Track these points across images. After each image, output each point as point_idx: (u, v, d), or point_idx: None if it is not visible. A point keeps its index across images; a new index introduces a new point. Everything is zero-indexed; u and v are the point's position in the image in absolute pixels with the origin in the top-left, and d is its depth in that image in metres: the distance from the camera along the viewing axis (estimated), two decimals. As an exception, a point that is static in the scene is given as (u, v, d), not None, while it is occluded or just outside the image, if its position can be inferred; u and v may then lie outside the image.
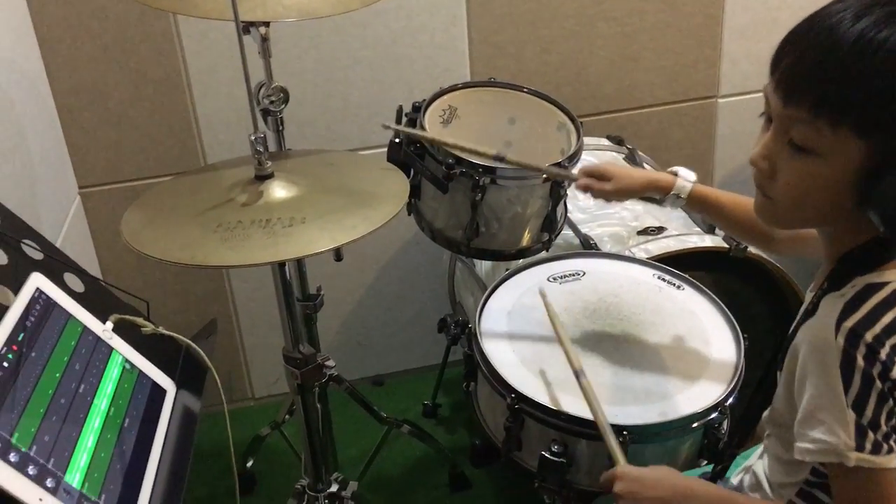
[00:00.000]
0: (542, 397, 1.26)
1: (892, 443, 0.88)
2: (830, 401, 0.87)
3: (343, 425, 1.92)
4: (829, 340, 0.87)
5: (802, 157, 0.88)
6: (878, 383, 0.86)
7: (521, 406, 1.25)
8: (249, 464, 1.98)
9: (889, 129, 0.83)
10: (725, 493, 1.09)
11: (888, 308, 0.88)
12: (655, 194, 1.39)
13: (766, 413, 1.04)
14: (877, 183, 0.84)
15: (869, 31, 0.82)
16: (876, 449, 0.87)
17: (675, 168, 1.40)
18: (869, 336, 0.86)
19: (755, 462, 1.12)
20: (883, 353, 0.86)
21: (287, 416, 1.91)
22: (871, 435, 0.86)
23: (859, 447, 0.87)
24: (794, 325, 0.99)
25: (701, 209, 1.39)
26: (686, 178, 1.36)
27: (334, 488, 1.59)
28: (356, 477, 1.79)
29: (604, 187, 1.39)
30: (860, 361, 0.86)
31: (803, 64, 0.86)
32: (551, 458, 1.22)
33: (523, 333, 1.41)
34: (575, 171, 1.47)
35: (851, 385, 0.86)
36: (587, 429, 1.21)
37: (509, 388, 1.27)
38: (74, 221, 1.90)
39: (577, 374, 1.19)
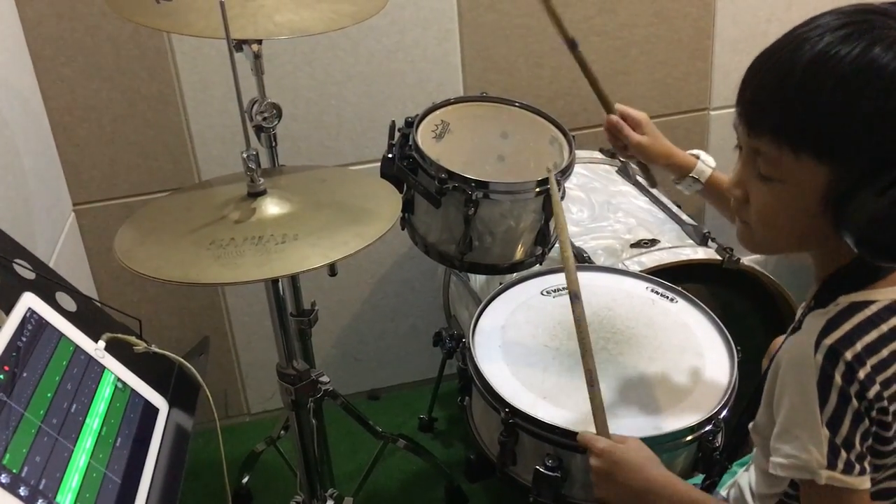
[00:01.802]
0: (536, 411, 1.26)
1: (865, 464, 0.87)
2: (805, 417, 0.87)
3: (338, 440, 1.92)
4: (808, 357, 0.87)
5: (771, 184, 0.89)
6: (855, 402, 0.85)
7: (516, 420, 1.25)
8: (245, 479, 1.98)
9: (848, 153, 0.83)
10: (700, 494, 1.09)
11: (871, 327, 0.88)
12: (673, 171, 1.39)
13: (751, 424, 1.04)
14: (846, 207, 0.84)
15: (822, 54, 0.82)
16: (848, 469, 0.86)
17: (697, 151, 1.40)
18: (849, 355, 0.86)
19: (741, 475, 1.13)
20: (862, 373, 0.85)
21: (282, 432, 1.91)
22: (843, 454, 0.86)
23: (831, 465, 0.86)
24: (781, 342, 0.99)
25: (716, 198, 1.38)
26: (707, 162, 1.37)
27: (329, 504, 1.58)
28: (352, 492, 1.79)
29: (632, 135, 1.39)
30: (838, 379, 0.85)
31: (762, 94, 0.88)
32: (546, 472, 1.22)
33: (517, 347, 1.41)
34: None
35: (827, 403, 0.86)
36: (582, 443, 1.21)
37: (503, 403, 1.27)
38: (69, 238, 1.90)
39: (573, 298, 1.20)
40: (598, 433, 1.13)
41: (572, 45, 1.45)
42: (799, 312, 0.99)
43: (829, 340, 0.87)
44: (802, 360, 0.88)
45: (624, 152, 1.46)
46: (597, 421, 1.13)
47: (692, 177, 1.37)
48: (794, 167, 0.86)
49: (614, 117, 1.43)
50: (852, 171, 0.83)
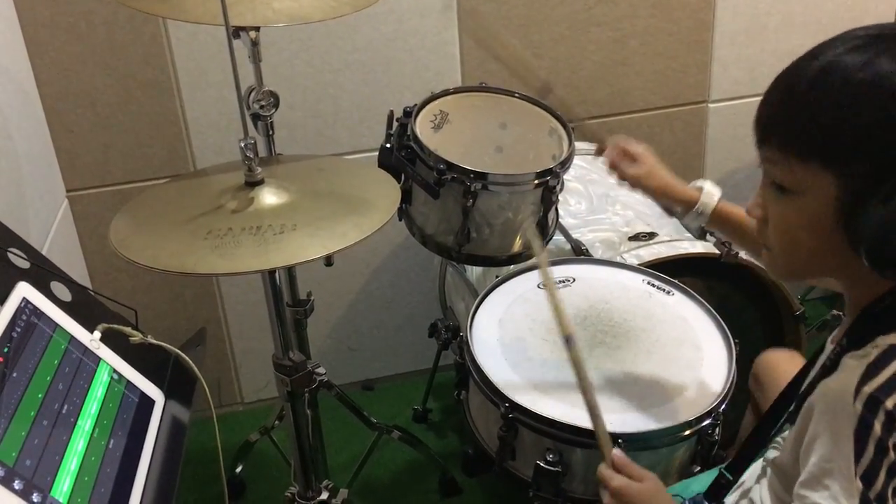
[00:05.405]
0: (536, 406, 1.25)
1: None
2: (839, 467, 0.83)
3: (333, 431, 1.91)
4: (847, 405, 0.83)
5: (785, 199, 0.89)
6: (892, 455, 0.81)
7: (516, 415, 1.24)
8: (238, 469, 1.97)
9: (852, 159, 0.82)
10: None
11: None
12: (672, 205, 1.38)
13: (772, 458, 1.02)
14: (855, 218, 0.83)
15: (830, 63, 0.83)
16: None
17: (700, 183, 1.38)
18: (889, 403, 0.81)
19: (752, 486, 1.11)
20: None
21: (277, 422, 1.90)
22: None
23: None
24: (810, 378, 0.97)
25: (723, 228, 1.38)
26: (711, 194, 1.35)
27: (324, 496, 1.57)
28: (346, 483, 1.78)
29: (627, 171, 1.39)
30: (877, 430, 0.81)
31: (772, 103, 0.88)
32: (546, 466, 1.21)
33: (515, 342, 1.40)
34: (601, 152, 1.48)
35: (864, 454, 0.82)
36: (582, 437, 1.21)
37: (503, 398, 1.26)
38: (62, 225, 1.88)
39: (567, 340, 1.11)
40: (609, 465, 1.08)
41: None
42: (830, 347, 0.96)
43: (869, 388, 0.82)
44: (840, 408, 0.84)
45: (624, 184, 1.46)
46: (605, 456, 1.08)
47: (696, 211, 1.35)
48: (804, 175, 0.86)
49: (609, 153, 1.43)
50: (857, 178, 0.82)
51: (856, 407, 0.82)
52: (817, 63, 0.84)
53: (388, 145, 1.56)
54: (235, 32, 1.36)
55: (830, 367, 0.90)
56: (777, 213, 0.91)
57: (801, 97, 0.84)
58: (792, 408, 0.98)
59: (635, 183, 1.41)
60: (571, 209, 1.80)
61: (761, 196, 0.93)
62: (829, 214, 0.85)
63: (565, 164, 1.51)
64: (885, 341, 0.86)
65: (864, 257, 0.83)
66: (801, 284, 1.15)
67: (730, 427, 1.52)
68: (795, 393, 1.01)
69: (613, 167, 1.43)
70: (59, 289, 1.13)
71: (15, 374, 0.91)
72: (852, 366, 0.86)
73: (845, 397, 0.84)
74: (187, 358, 1.12)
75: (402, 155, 1.52)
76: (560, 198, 1.55)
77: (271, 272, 1.32)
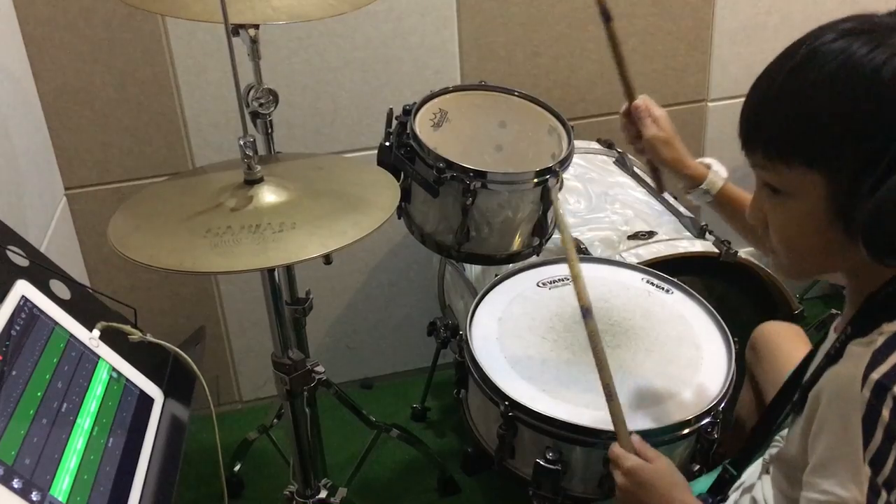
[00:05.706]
0: (536, 404, 1.25)
1: None
2: (847, 454, 0.83)
3: (331, 429, 1.91)
4: (854, 391, 0.83)
5: (778, 200, 0.89)
6: None
7: (515, 413, 1.24)
8: (237, 468, 1.97)
9: (833, 155, 0.82)
10: None
11: None
12: (681, 179, 1.36)
13: (775, 452, 1.01)
14: (848, 211, 0.82)
15: (804, 59, 0.83)
16: None
17: (708, 160, 1.35)
18: None
19: (755, 483, 1.11)
20: None
21: (275, 420, 1.90)
22: (884, 495, 0.81)
23: None
24: (813, 367, 0.97)
25: (726, 211, 1.36)
26: (719, 173, 1.34)
27: (323, 494, 1.57)
28: (344, 482, 1.78)
29: (649, 127, 1.35)
30: (885, 415, 0.81)
31: (751, 108, 0.88)
32: (546, 465, 1.21)
33: (514, 340, 1.40)
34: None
35: (872, 440, 0.81)
36: (582, 435, 1.21)
37: (503, 396, 1.26)
38: (60, 223, 1.88)
39: (585, 311, 1.13)
40: (622, 446, 1.10)
41: (606, 17, 1.40)
42: (834, 336, 0.96)
43: (876, 375, 0.82)
44: (847, 395, 0.84)
45: (636, 143, 1.42)
46: (619, 436, 1.09)
47: (703, 188, 1.34)
48: (791, 177, 0.85)
49: (640, 102, 1.38)
50: (843, 172, 0.82)
51: (863, 394, 0.82)
52: (791, 62, 0.84)
53: (387, 143, 1.56)
54: (235, 30, 1.36)
55: (835, 356, 0.90)
56: (774, 215, 0.91)
57: (775, 100, 0.84)
58: (796, 398, 0.98)
59: (650, 146, 1.36)
60: (571, 208, 1.80)
61: (758, 200, 0.93)
62: (822, 211, 0.85)
63: (564, 162, 1.51)
64: (890, 328, 0.86)
65: (862, 248, 0.82)
66: (806, 280, 1.14)
67: (729, 425, 1.53)
68: (798, 384, 1.00)
69: (638, 116, 1.36)
70: (58, 287, 1.13)
71: (14, 373, 0.91)
72: (858, 353, 0.86)
73: (853, 384, 0.83)
74: (186, 356, 1.12)
75: (402, 153, 1.52)
76: (560, 196, 1.55)
77: (270, 271, 1.32)
